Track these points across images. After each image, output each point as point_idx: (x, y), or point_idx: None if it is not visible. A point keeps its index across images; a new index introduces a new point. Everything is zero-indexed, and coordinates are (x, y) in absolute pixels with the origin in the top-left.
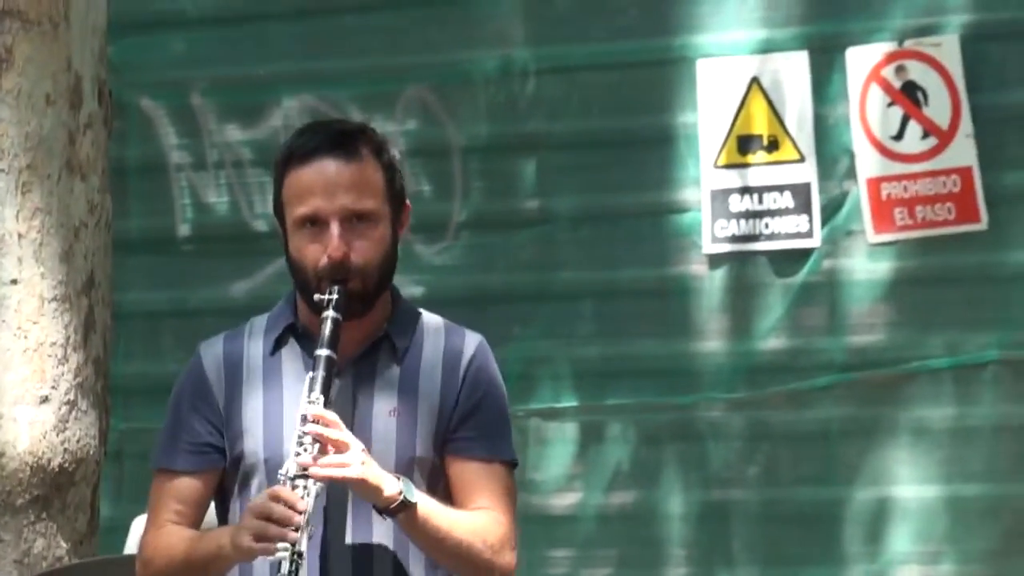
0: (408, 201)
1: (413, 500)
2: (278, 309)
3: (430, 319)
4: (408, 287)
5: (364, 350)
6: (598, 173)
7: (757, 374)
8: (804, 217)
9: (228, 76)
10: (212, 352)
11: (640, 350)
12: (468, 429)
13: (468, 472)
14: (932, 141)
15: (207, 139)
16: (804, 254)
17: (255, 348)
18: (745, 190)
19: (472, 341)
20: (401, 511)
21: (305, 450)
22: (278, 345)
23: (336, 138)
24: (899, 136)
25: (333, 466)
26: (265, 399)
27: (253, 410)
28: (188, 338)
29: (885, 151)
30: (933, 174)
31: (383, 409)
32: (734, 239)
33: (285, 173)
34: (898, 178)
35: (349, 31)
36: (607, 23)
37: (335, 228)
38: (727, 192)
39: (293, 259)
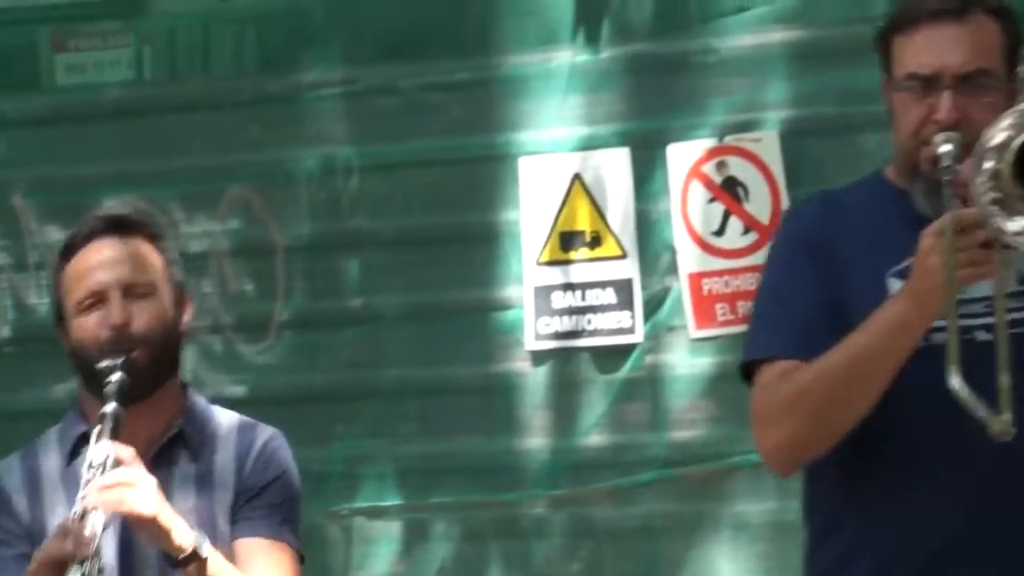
0: (189, 297)
1: (205, 555)
2: (68, 419)
3: (224, 413)
4: (230, 387)
5: (159, 448)
6: (421, 270)
7: (580, 470)
8: (626, 313)
9: (49, 176)
10: (11, 472)
11: (464, 447)
12: (255, 508)
13: (253, 548)
14: (753, 236)
15: (28, 240)
16: (626, 350)
17: (50, 462)
18: (568, 286)
19: (266, 431)
20: (192, 562)
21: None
22: (73, 455)
23: (112, 220)
24: (720, 231)
25: (122, 486)
26: (69, 509)
27: (58, 519)
28: (9, 440)
29: (706, 246)
30: (754, 269)
31: (181, 508)
32: (557, 336)
33: (63, 266)
34: (719, 273)
35: (171, 130)
36: (429, 120)
37: (115, 297)
38: (550, 289)
39: (76, 346)
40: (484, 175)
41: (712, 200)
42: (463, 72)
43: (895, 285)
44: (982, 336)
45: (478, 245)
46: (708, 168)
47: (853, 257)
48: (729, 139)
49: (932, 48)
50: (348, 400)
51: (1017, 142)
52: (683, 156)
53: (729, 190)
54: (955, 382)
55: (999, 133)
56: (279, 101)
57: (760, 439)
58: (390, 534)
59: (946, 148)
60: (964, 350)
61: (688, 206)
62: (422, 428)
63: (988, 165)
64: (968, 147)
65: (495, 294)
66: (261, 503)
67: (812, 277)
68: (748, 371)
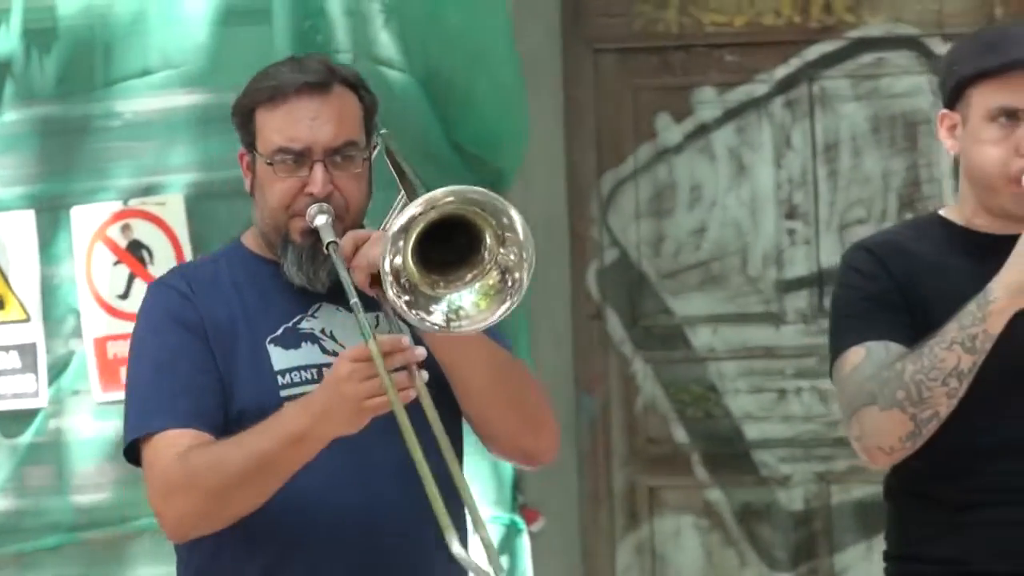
0: None
1: None
2: None
3: None
4: None
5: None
6: None
7: None
8: (31, 377)
9: None
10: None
11: None
12: None
13: None
14: None
15: None
16: (31, 414)
17: None
18: None
19: None
20: None
21: None
22: None
23: None
24: (125, 295)
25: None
26: None
27: None
28: None
29: (112, 310)
30: None
31: None
32: None
33: None
34: (124, 336)
35: None
36: None
37: None
38: None
39: None
40: None
41: (117, 263)
42: None
43: (275, 351)
44: None
45: None
46: (113, 231)
47: (229, 325)
48: (134, 202)
49: (301, 123)
50: None
51: (412, 230)
52: (88, 219)
53: (134, 253)
54: None
55: (393, 225)
56: None
57: (160, 510)
58: None
59: (322, 221)
60: None
61: (93, 269)
62: None
63: (387, 266)
64: (339, 219)
65: None
66: None
67: (196, 347)
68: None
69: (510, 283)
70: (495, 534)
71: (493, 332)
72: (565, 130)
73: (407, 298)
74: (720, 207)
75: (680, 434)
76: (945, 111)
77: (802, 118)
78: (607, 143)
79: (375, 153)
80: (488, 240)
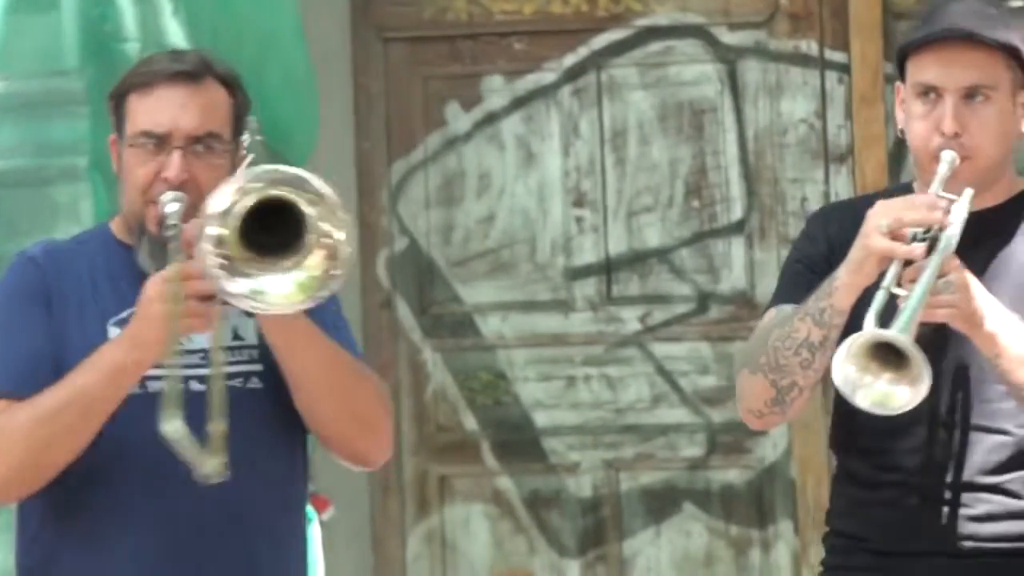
0: None
1: None
2: None
3: None
4: None
5: None
6: None
7: None
8: None
9: None
10: None
11: None
12: None
13: None
14: None
15: None
16: None
17: None
18: None
19: None
20: None
21: None
22: None
23: None
24: None
25: None
26: None
27: None
28: None
29: None
30: None
31: None
32: None
33: None
34: None
35: None
36: None
37: None
38: None
39: None
40: None
41: None
42: None
43: (115, 333)
44: (196, 386)
45: None
46: None
47: (77, 305)
48: None
49: (166, 108)
50: None
51: (240, 207)
52: None
53: None
54: (169, 426)
55: (223, 199)
56: None
57: None
58: None
59: (172, 208)
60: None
61: None
62: None
63: (212, 231)
64: (194, 207)
65: None
66: None
67: (38, 319)
68: None
69: (331, 273)
70: None
71: (337, 332)
72: (355, 119)
73: (221, 262)
74: (509, 195)
75: (470, 422)
76: (899, 83)
77: (590, 106)
78: (397, 132)
79: (244, 149)
80: (309, 222)
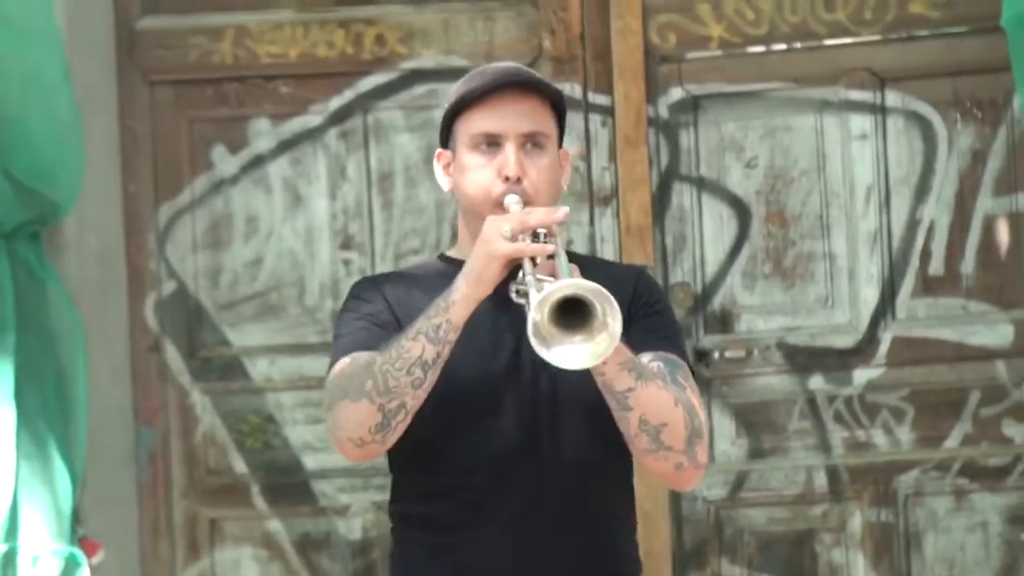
0: None
1: None
2: None
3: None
4: None
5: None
6: None
7: None
8: None
9: None
10: None
11: None
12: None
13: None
14: None
15: None
16: None
17: None
18: None
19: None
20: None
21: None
22: None
23: None
24: None
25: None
26: None
27: None
28: None
29: None
30: None
31: None
32: None
33: None
34: None
35: None
36: None
37: None
38: None
39: None
40: None
41: None
42: None
43: None
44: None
45: None
46: None
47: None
48: None
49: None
50: None
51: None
52: None
53: None
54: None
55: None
56: None
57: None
58: None
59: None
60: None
61: None
62: None
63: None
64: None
65: None
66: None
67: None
68: None
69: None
70: (54, 568)
71: None
72: (121, 161)
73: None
74: (276, 238)
75: (239, 465)
76: (440, 150)
77: (356, 149)
78: (164, 174)
79: None
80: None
